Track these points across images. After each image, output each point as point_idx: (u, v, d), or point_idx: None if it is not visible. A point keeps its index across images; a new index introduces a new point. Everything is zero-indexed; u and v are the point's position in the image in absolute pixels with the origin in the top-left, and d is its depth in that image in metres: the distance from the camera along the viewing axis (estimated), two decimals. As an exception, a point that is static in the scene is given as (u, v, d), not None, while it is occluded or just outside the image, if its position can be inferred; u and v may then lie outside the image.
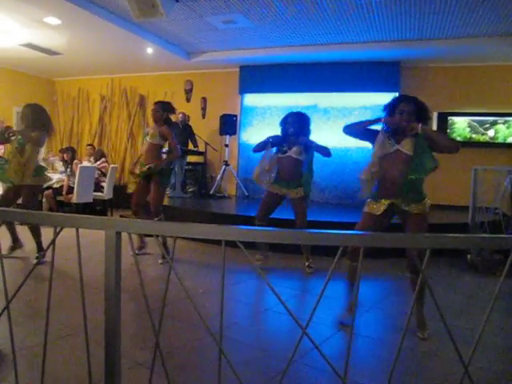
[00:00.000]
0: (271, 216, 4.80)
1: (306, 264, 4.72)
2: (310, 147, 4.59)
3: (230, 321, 3.13)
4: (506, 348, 2.91)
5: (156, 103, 5.09)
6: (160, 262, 4.91)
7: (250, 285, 4.30)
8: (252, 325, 3.26)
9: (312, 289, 4.19)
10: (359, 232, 1.18)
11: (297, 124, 4.57)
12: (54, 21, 6.52)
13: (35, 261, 4.57)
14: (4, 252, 4.57)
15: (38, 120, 4.62)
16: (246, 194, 8.88)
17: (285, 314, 3.25)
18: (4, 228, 4.67)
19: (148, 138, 5.03)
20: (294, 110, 4.83)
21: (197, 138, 8.87)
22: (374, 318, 3.43)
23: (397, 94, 8.18)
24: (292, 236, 1.24)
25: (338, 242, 1.15)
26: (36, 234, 4.60)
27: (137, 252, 4.95)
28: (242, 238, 1.19)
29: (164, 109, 4.98)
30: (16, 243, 4.79)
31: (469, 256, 5.04)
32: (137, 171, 5.11)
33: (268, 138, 4.62)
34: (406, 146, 3.00)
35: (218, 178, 8.87)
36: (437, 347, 2.79)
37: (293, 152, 4.57)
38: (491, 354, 2.70)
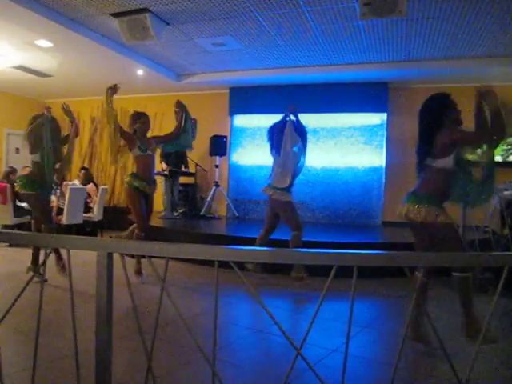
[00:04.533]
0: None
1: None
2: None
3: (224, 342, 3.09)
4: (503, 366, 2.90)
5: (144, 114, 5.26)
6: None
7: (243, 306, 4.26)
8: (246, 346, 3.22)
9: (305, 309, 4.16)
10: (353, 251, 1.18)
11: None
12: (45, 43, 6.56)
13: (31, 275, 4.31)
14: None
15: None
16: (237, 214, 8.88)
17: (279, 335, 3.23)
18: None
19: (150, 151, 5.08)
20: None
21: (187, 159, 8.89)
22: (368, 339, 3.40)
23: (385, 115, 8.41)
24: (286, 256, 1.24)
25: (332, 261, 1.15)
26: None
27: (141, 281, 4.77)
28: (234, 258, 1.19)
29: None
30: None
31: (460, 274, 5.03)
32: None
33: None
34: None
35: (209, 198, 8.86)
36: (432, 367, 2.77)
37: None
38: (488, 372, 2.68)
